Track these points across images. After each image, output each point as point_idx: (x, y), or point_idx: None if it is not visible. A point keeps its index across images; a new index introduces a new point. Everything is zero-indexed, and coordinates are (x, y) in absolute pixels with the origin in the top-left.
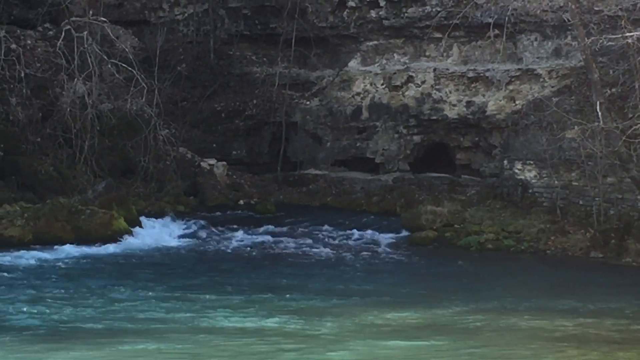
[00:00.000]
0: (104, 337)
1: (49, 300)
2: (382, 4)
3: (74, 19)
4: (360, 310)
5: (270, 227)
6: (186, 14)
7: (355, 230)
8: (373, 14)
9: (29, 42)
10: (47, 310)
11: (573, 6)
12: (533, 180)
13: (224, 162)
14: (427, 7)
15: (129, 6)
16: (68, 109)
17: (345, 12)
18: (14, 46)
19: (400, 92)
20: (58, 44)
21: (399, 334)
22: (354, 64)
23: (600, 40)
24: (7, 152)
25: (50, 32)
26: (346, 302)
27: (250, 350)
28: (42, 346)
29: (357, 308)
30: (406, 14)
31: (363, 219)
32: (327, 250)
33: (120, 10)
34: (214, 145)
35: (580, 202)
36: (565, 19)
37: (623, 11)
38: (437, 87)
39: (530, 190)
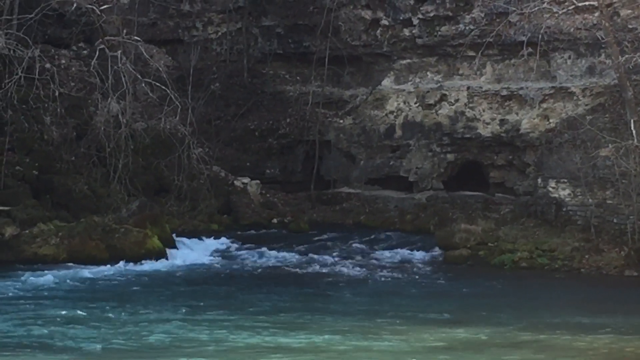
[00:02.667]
0: (142, 356)
1: (84, 320)
2: (416, 22)
3: (107, 38)
4: (408, 328)
5: (304, 246)
6: (219, 33)
7: (389, 249)
8: (406, 32)
9: (63, 61)
10: (83, 331)
11: (607, 24)
12: (567, 199)
13: (258, 181)
14: (461, 26)
15: (163, 25)
16: (102, 128)
17: (378, 31)
18: (48, 65)
19: (434, 111)
20: (92, 63)
21: (451, 351)
22: (387, 82)
23: (634, 58)
24: (42, 171)
25: (84, 52)
26: (390, 320)
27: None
28: None
29: (404, 326)
30: (439, 33)
31: (397, 237)
32: (362, 269)
33: (153, 30)
34: (248, 163)
35: (615, 221)
36: (599, 37)
37: None
38: (470, 105)
39: (564, 209)
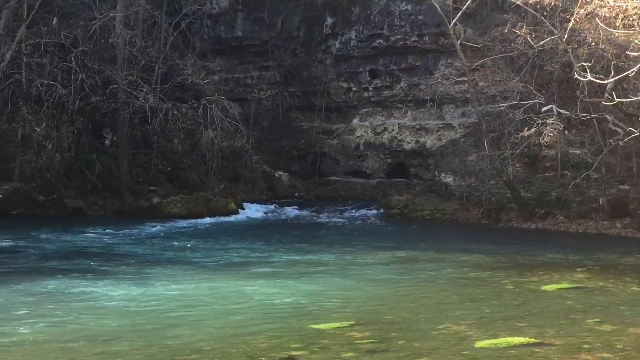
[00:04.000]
0: (228, 268)
1: (196, 248)
2: (370, 89)
3: (207, 97)
4: (370, 251)
5: (312, 208)
6: (267, 95)
7: (356, 209)
8: (365, 94)
9: (183, 109)
10: (194, 254)
11: (472, 90)
12: (451, 183)
13: (287, 173)
14: (395, 91)
15: (237, 91)
16: (204, 146)
17: (350, 93)
18: (175, 112)
19: (380, 136)
20: (199, 111)
21: (395, 263)
22: (355, 121)
23: (486, 108)
24: (173, 168)
25: (195, 104)
26: (362, 247)
27: (317, 270)
28: (203, 274)
29: (368, 250)
30: (383, 94)
31: (360, 204)
32: (342, 220)
33: (232, 92)
34: (282, 164)
35: (476, 194)
36: (468, 97)
37: (499, 92)
38: (400, 133)
39: (449, 188)
